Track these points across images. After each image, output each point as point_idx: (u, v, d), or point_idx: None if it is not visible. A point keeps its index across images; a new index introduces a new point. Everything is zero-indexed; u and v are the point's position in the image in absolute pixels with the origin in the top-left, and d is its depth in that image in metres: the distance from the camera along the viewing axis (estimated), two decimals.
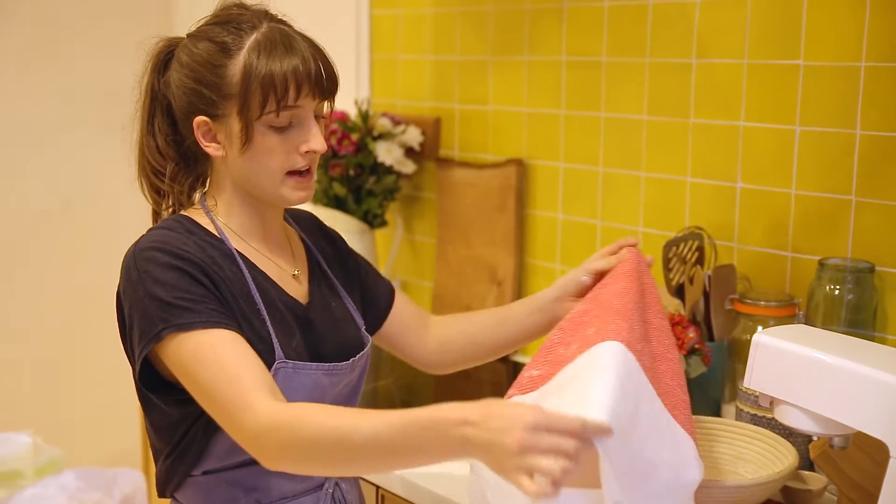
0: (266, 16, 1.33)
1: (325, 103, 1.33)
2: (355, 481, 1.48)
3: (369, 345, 1.46)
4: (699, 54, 1.99)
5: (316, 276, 1.44)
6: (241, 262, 1.32)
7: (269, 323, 1.30)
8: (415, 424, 1.05)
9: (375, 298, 1.55)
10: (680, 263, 1.90)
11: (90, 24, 3.16)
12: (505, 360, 2.41)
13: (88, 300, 3.21)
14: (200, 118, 1.31)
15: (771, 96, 1.89)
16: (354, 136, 2.50)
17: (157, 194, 1.39)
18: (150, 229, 1.33)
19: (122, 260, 1.30)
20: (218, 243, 1.33)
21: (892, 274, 1.74)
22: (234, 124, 1.28)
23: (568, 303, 1.53)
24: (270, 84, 1.25)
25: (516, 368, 2.36)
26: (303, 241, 1.48)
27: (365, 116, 2.54)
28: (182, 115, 1.34)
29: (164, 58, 1.37)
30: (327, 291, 1.44)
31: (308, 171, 1.33)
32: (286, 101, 1.27)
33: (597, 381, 1.09)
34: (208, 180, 1.40)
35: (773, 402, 1.35)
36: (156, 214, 1.41)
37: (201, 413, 1.27)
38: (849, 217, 1.80)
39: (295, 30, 1.33)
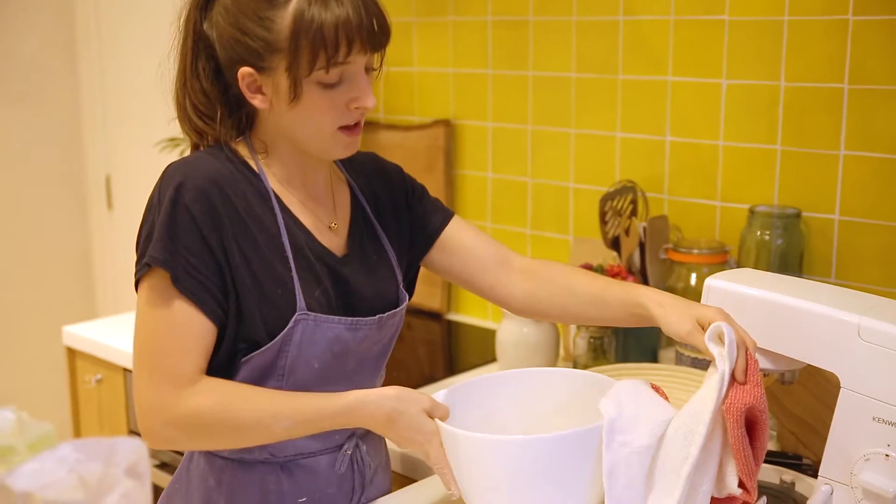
0: None
1: (377, 55, 1.28)
2: (380, 442, 1.46)
3: (404, 305, 1.41)
4: (626, 11, 2.03)
5: (358, 228, 1.40)
6: (275, 204, 1.30)
7: (294, 271, 1.28)
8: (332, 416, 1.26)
9: (428, 218, 1.48)
10: (615, 216, 1.95)
11: None
12: (439, 318, 2.44)
13: None
14: (245, 69, 1.25)
15: (697, 51, 1.95)
16: None
17: (198, 136, 1.34)
18: (194, 153, 1.32)
19: None
20: (255, 180, 1.30)
21: (817, 219, 1.83)
22: (282, 80, 1.23)
23: (657, 326, 1.34)
24: (321, 41, 1.20)
25: (450, 326, 2.40)
26: (351, 190, 1.43)
27: None
28: (226, 62, 1.28)
29: None
30: (368, 245, 1.40)
31: (357, 124, 1.29)
32: (336, 59, 1.21)
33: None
34: (253, 124, 1.34)
35: None
36: (196, 148, 1.37)
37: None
38: (775, 166, 1.88)
39: None
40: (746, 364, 1.17)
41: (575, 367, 1.95)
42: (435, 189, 2.43)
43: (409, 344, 2.41)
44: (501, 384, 1.36)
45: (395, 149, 2.49)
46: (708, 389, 1.17)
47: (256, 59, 1.24)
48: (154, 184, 1.27)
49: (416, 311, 2.47)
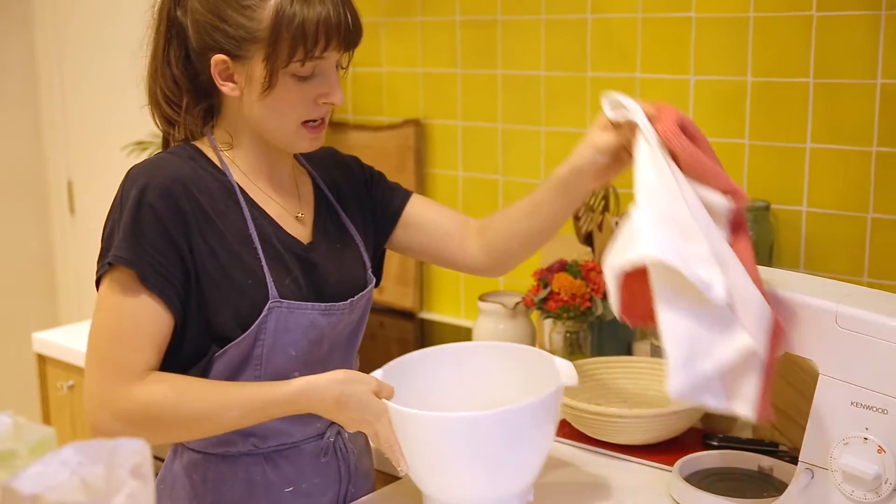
0: None
1: (346, 54, 1.31)
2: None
3: (371, 286, 1.44)
4: (594, 9, 2.06)
5: (322, 217, 1.42)
6: (241, 197, 1.31)
7: (263, 260, 1.29)
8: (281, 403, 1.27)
9: (388, 200, 1.50)
10: (588, 212, 1.98)
11: None
12: (412, 317, 2.45)
13: None
14: (219, 56, 1.26)
15: (665, 48, 1.98)
16: None
17: (167, 124, 1.36)
18: (156, 154, 1.33)
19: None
20: (219, 175, 1.31)
21: (785, 211, 1.87)
22: (257, 69, 1.25)
23: (588, 182, 1.37)
24: (301, 35, 1.22)
25: (423, 325, 2.41)
26: (313, 181, 1.45)
27: None
28: (199, 49, 1.29)
29: None
30: (334, 232, 1.42)
31: (322, 121, 1.32)
32: (314, 53, 1.24)
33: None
34: (220, 114, 1.36)
35: None
36: (166, 143, 1.38)
37: (181, 354, 1.28)
38: (743, 159, 1.91)
39: None
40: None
41: None
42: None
43: (382, 343, 2.42)
44: (435, 359, 1.45)
45: (364, 149, 2.49)
46: (642, 148, 1.23)
47: (233, 46, 1.26)
48: (117, 187, 1.28)
49: (388, 311, 2.49)
